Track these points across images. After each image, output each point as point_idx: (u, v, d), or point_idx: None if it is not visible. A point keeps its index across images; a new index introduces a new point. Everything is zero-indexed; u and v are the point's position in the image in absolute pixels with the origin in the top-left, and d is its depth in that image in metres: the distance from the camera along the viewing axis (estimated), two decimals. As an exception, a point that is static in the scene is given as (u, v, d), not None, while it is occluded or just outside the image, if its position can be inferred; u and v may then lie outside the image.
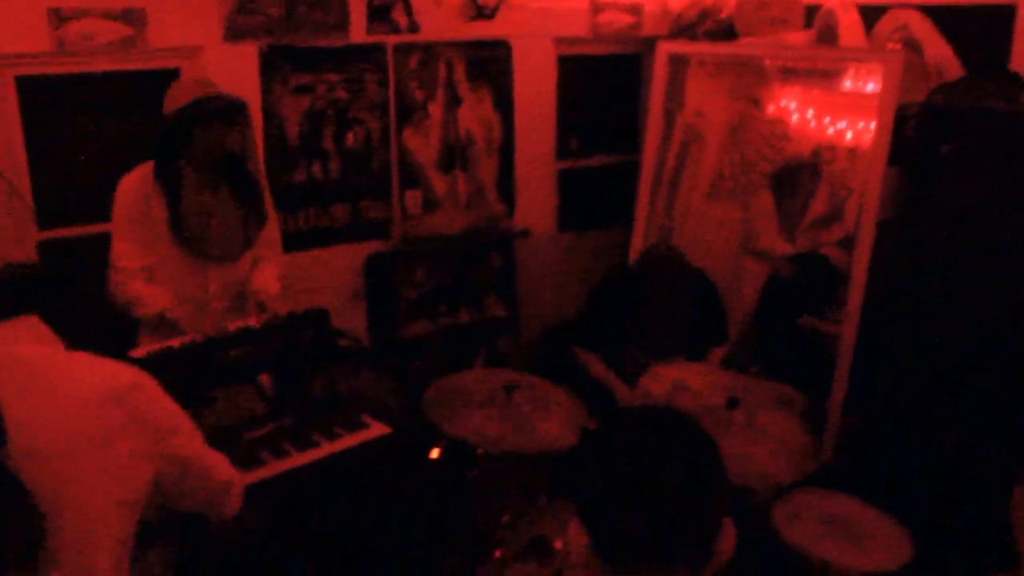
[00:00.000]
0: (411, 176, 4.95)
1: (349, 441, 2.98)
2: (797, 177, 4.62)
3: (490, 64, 5.07)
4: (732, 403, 3.16)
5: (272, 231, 3.52)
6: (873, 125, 4.16)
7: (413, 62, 4.83)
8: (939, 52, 4.29)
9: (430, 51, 4.85)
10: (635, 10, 5.41)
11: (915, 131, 4.10)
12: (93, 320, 2.36)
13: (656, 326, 3.78)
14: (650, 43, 5.23)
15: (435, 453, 3.41)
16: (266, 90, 4.42)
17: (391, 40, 4.72)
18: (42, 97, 4.03)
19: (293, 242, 4.33)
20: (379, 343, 4.86)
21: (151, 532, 2.20)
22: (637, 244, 4.97)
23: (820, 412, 4.05)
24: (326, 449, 2.93)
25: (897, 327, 4.04)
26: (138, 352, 2.91)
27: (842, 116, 4.59)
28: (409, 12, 4.72)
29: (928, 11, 4.36)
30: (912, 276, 4.01)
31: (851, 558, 2.76)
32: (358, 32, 4.61)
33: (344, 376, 3.22)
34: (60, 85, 4.05)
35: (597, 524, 1.42)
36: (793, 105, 4.78)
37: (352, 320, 4.71)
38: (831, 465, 3.96)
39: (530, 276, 5.43)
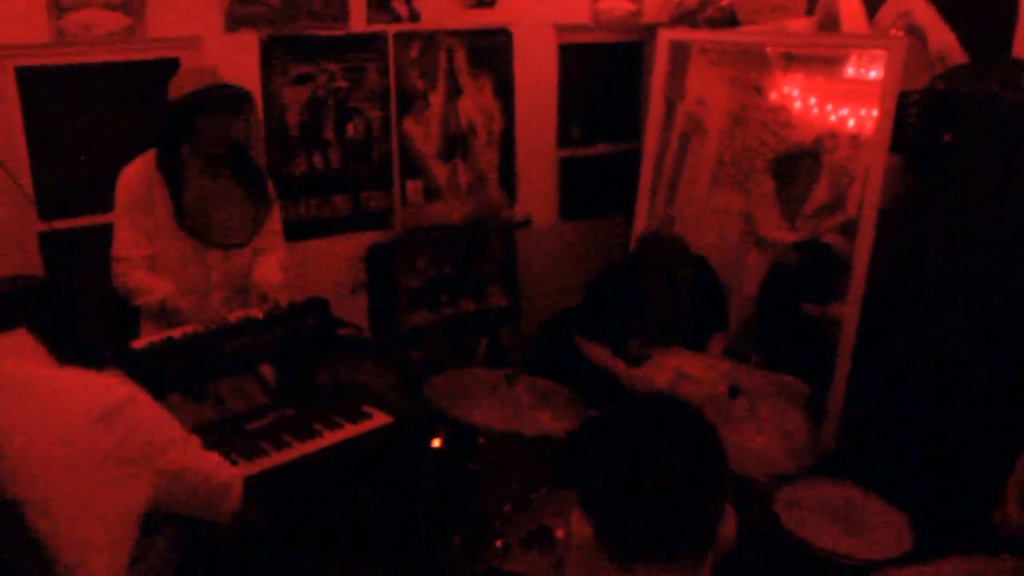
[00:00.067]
0: (412, 165, 4.94)
1: (351, 431, 2.98)
2: (799, 165, 4.61)
3: (491, 52, 5.06)
4: (733, 392, 3.16)
5: (274, 222, 3.51)
6: (875, 112, 4.14)
7: (413, 51, 4.82)
8: (942, 39, 4.27)
9: (431, 40, 4.84)
10: (636, -3, 5.39)
11: (918, 118, 4.09)
12: (91, 328, 2.36)
13: (656, 309, 3.77)
14: (651, 30, 5.22)
15: (437, 443, 3.42)
16: (266, 80, 4.42)
17: (391, 29, 4.71)
18: (42, 88, 4.02)
19: (294, 232, 4.32)
20: (380, 333, 4.86)
21: (153, 527, 2.21)
22: (638, 233, 4.96)
23: (821, 401, 4.05)
24: (328, 439, 2.93)
25: (898, 316, 4.03)
26: (139, 343, 2.91)
27: (844, 103, 4.58)
28: (409, 1, 4.71)
29: (931, -3, 4.34)
30: (914, 264, 4.00)
31: (852, 547, 2.77)
32: (358, 21, 4.60)
33: (345, 366, 3.22)
34: (60, 76, 4.04)
35: (599, 512, 1.41)
36: (795, 92, 4.77)
37: (353, 310, 4.71)
38: (832, 454, 3.97)
39: (531, 265, 5.43)
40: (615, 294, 3.87)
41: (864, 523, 2.89)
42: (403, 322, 4.98)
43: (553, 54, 5.30)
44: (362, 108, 4.72)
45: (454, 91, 4.98)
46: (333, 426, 2.98)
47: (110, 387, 2.03)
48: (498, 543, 2.69)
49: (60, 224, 4.02)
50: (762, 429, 3.09)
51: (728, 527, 1.43)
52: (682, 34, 5.07)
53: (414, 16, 4.75)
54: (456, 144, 5.04)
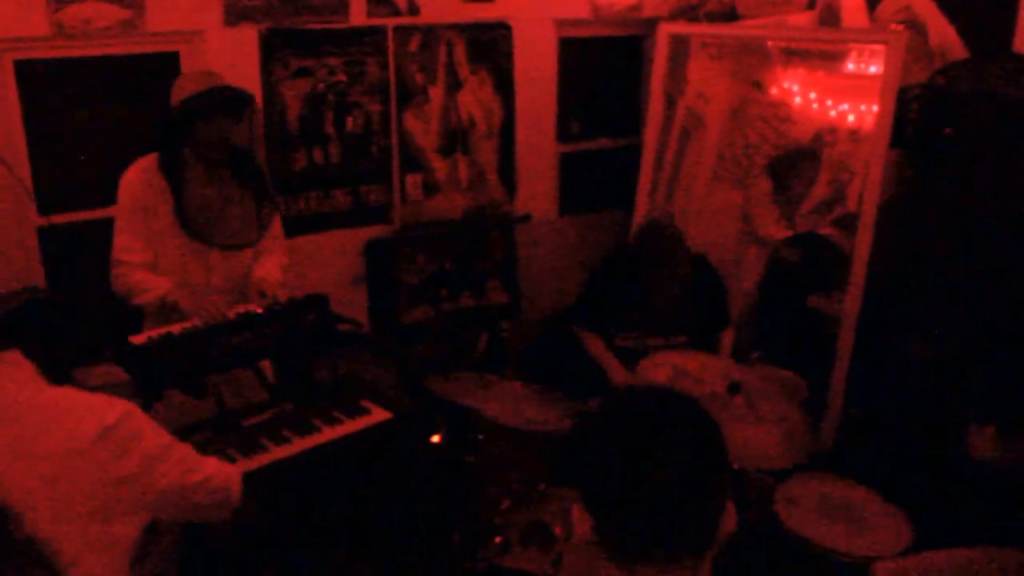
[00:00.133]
0: (412, 160, 4.93)
1: (350, 427, 2.98)
2: (797, 165, 4.61)
3: (491, 46, 5.04)
4: (733, 388, 3.17)
5: (275, 226, 3.51)
6: (875, 107, 4.13)
7: (413, 45, 4.80)
8: (942, 34, 4.27)
9: (430, 33, 4.83)
10: (636, -9, 5.37)
11: (918, 113, 4.08)
12: (91, 327, 2.37)
13: (656, 300, 3.77)
14: (652, 24, 5.20)
15: (436, 438, 3.42)
16: (266, 74, 4.41)
17: (391, 23, 4.70)
18: (41, 81, 4.01)
19: (293, 227, 4.32)
20: (380, 328, 4.86)
21: (153, 526, 2.22)
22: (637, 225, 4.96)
23: (821, 398, 4.05)
24: (327, 435, 2.93)
25: (898, 312, 4.03)
26: (139, 338, 2.91)
27: (844, 98, 4.57)
28: (409, -6, 4.70)
29: (932, -8, 4.33)
30: (913, 260, 4.00)
31: (851, 544, 2.77)
32: (358, 15, 4.59)
33: (345, 362, 3.22)
34: (59, 69, 4.03)
35: (599, 510, 1.41)
36: (796, 87, 4.76)
37: (353, 305, 4.70)
38: (832, 451, 3.97)
39: (531, 261, 5.42)
40: (615, 284, 3.87)
41: (863, 520, 2.90)
42: (403, 317, 4.98)
43: (553, 48, 5.29)
44: (362, 102, 4.71)
45: (454, 85, 4.97)
46: (332, 422, 2.98)
47: (109, 404, 2.05)
48: (497, 540, 2.70)
49: (59, 219, 4.01)
50: (760, 424, 3.09)
51: (728, 523, 1.43)
52: (682, 28, 5.06)
53: (414, 10, 4.74)
54: (456, 139, 5.03)
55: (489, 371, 3.55)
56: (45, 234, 4.04)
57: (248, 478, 2.45)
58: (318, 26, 4.49)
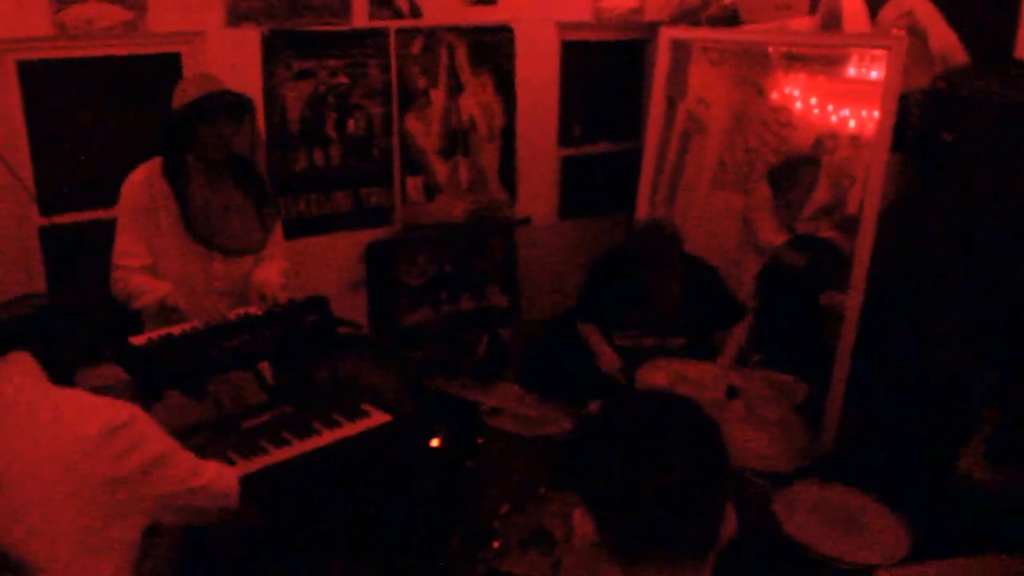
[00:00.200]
0: (413, 162, 4.94)
1: (349, 430, 2.98)
2: (797, 173, 4.60)
3: (492, 49, 5.05)
4: (732, 393, 3.18)
5: (276, 232, 3.51)
6: (876, 113, 4.13)
7: (415, 47, 4.81)
8: (944, 39, 4.27)
9: (432, 36, 4.83)
10: (638, -5, 5.38)
11: (919, 118, 4.08)
12: (92, 329, 2.38)
13: (656, 299, 3.78)
14: (654, 29, 5.20)
15: (436, 442, 3.42)
16: (268, 75, 4.41)
17: (393, 25, 4.70)
18: (43, 82, 4.02)
19: (294, 229, 4.33)
20: (380, 331, 4.86)
21: (152, 529, 2.23)
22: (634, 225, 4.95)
23: (821, 402, 4.05)
24: (326, 437, 2.93)
25: (898, 317, 4.03)
26: (139, 338, 2.91)
27: (846, 103, 4.57)
28: (411, -4, 4.71)
29: (933, -3, 4.33)
30: (914, 265, 4.00)
31: (850, 550, 2.77)
32: (360, 17, 4.59)
33: (345, 364, 3.22)
34: (61, 70, 4.04)
35: (601, 514, 1.41)
36: (797, 92, 4.76)
37: (353, 308, 4.70)
38: (831, 456, 3.97)
39: (531, 264, 5.42)
40: (614, 283, 3.88)
41: (862, 526, 2.90)
42: (403, 320, 4.98)
43: (555, 51, 5.29)
44: (363, 104, 4.72)
45: (455, 88, 4.97)
46: (332, 424, 2.98)
47: (116, 406, 2.07)
48: (496, 544, 2.69)
49: (60, 219, 4.01)
50: (759, 428, 3.10)
51: (729, 526, 1.43)
52: (684, 32, 5.06)
53: (416, 12, 4.74)
54: (457, 141, 5.04)
55: (489, 376, 3.55)
56: (46, 234, 4.04)
57: (247, 480, 2.45)
58: (320, 28, 4.49)
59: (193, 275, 3.27)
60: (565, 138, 5.54)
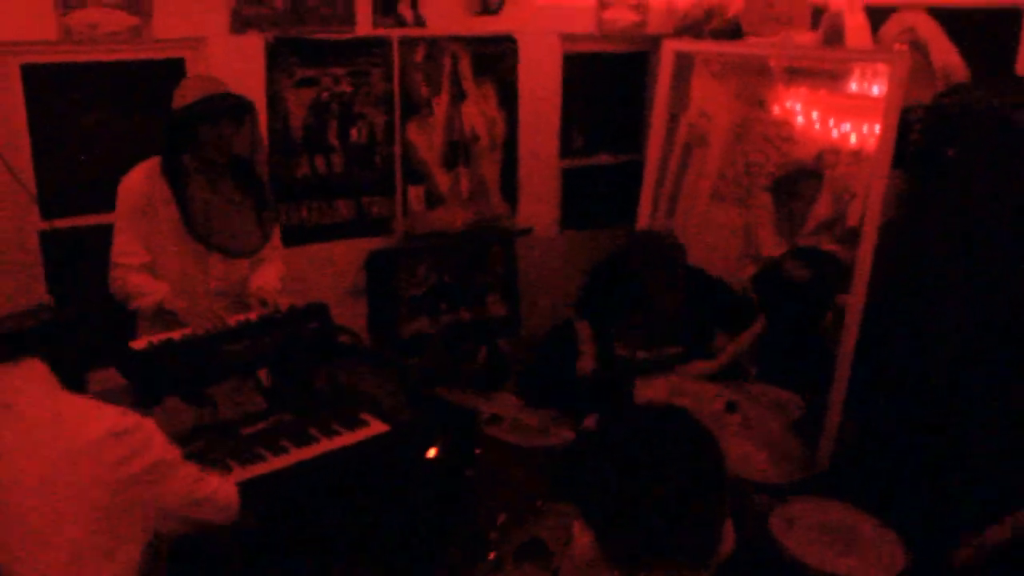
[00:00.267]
0: (414, 172, 4.94)
1: (347, 438, 2.98)
2: (799, 185, 4.61)
3: (495, 60, 5.06)
4: (730, 407, 3.18)
5: (275, 236, 3.51)
6: (878, 128, 4.14)
7: (418, 56, 4.82)
8: (945, 55, 4.28)
9: (435, 45, 4.84)
10: (641, 7, 5.38)
11: (920, 134, 4.08)
12: (93, 334, 2.39)
13: (657, 304, 3.78)
14: (656, 41, 5.21)
15: (433, 452, 3.41)
16: (271, 82, 4.42)
17: (397, 34, 4.71)
18: (47, 85, 4.02)
19: (295, 236, 4.33)
20: (379, 340, 4.85)
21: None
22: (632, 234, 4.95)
23: (820, 415, 4.04)
24: (324, 446, 2.93)
25: (897, 332, 4.03)
26: (139, 343, 2.91)
27: (847, 118, 4.57)
28: (415, 6, 4.71)
29: (935, 13, 4.34)
30: (914, 280, 4.00)
31: (846, 566, 2.76)
32: (364, 25, 4.60)
33: (344, 373, 3.22)
34: (65, 74, 4.04)
35: (600, 525, 1.41)
36: (798, 107, 4.77)
37: (352, 316, 4.70)
38: (828, 472, 3.96)
39: (531, 275, 5.43)
40: (614, 289, 3.88)
41: (859, 541, 2.90)
42: (402, 329, 4.98)
43: (557, 63, 5.30)
44: (366, 113, 4.72)
45: (458, 97, 4.98)
46: (330, 433, 2.98)
47: (118, 414, 2.08)
48: (491, 556, 2.69)
49: (61, 223, 4.02)
50: (756, 441, 3.10)
51: (727, 540, 1.43)
52: (686, 45, 5.07)
53: (419, 22, 4.75)
54: (459, 151, 5.04)
55: (489, 386, 3.56)
56: (47, 238, 4.04)
57: (244, 487, 2.45)
58: (324, 36, 4.50)
59: (191, 275, 3.27)
60: (567, 149, 5.55)
